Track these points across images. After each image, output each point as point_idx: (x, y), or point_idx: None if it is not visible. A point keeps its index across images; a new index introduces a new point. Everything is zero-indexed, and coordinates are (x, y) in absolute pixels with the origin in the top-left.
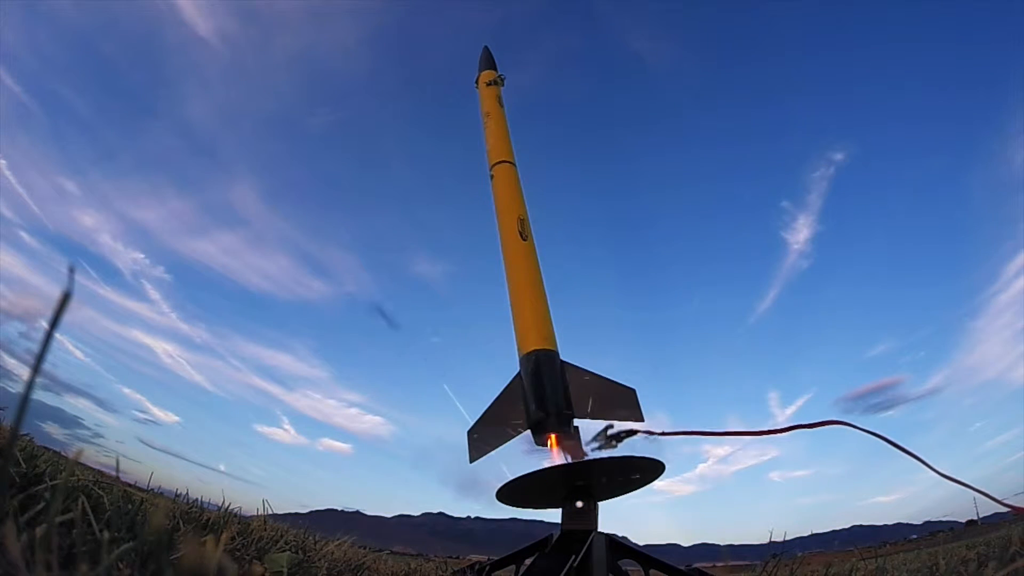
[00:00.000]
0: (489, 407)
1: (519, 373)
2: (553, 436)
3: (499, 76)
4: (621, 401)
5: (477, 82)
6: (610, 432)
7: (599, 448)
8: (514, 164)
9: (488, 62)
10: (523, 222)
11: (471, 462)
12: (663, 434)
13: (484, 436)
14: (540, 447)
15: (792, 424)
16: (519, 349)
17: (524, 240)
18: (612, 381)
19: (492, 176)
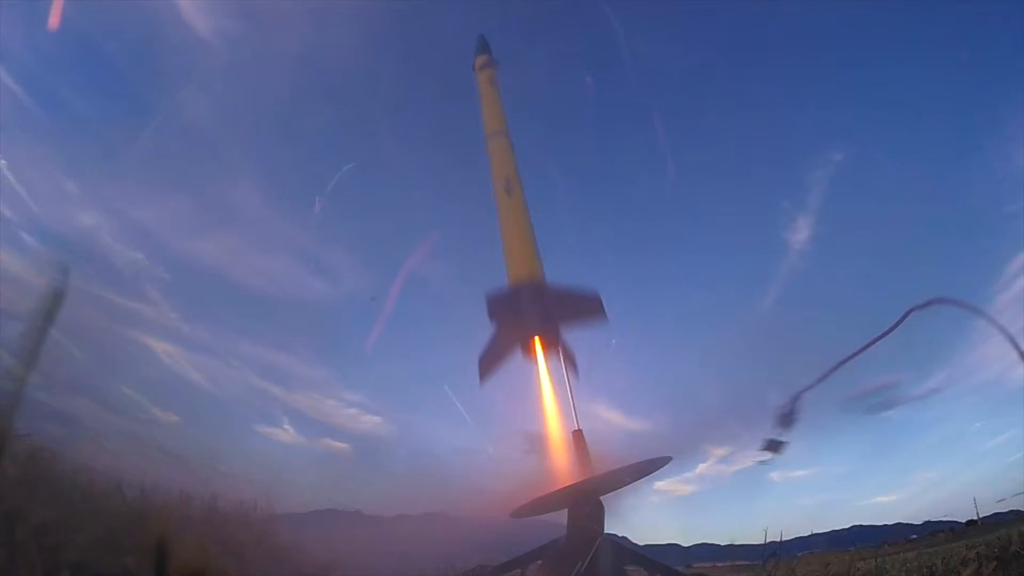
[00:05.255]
0: (492, 335)
1: (511, 297)
2: (538, 339)
3: (492, 60)
4: (588, 306)
5: (474, 66)
6: (770, 439)
7: (767, 451)
8: (505, 134)
9: (483, 48)
10: (510, 181)
11: (480, 384)
12: (813, 386)
13: (490, 359)
14: (528, 358)
15: (903, 313)
16: (508, 276)
17: (510, 195)
18: (581, 291)
19: (488, 144)
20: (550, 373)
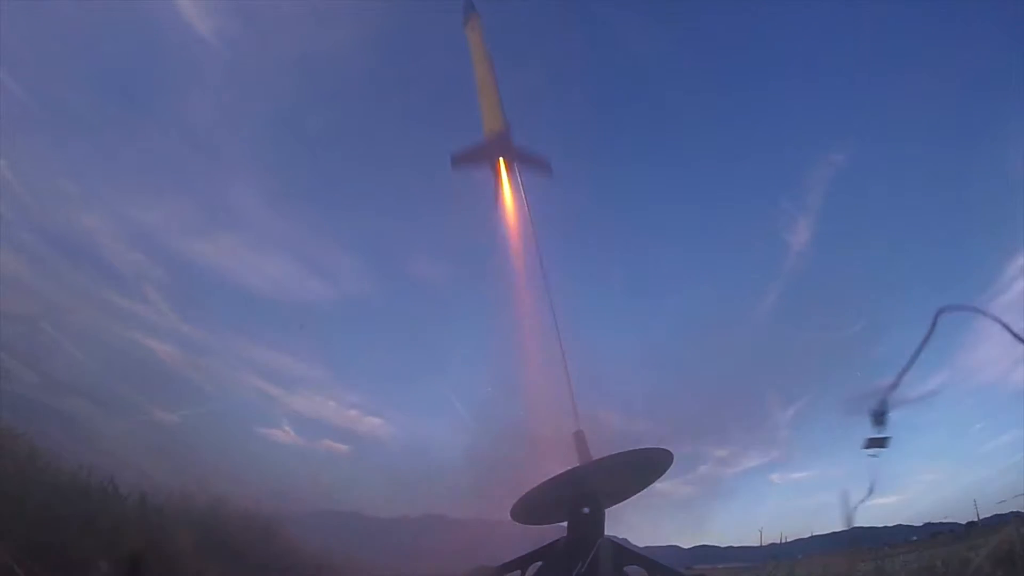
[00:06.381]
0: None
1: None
2: (501, 160)
3: (475, 13)
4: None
5: (464, 24)
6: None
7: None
8: (490, 69)
9: (469, 6)
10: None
11: (454, 165)
12: (894, 386)
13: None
14: (494, 176)
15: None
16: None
17: (487, 100)
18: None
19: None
20: (514, 193)
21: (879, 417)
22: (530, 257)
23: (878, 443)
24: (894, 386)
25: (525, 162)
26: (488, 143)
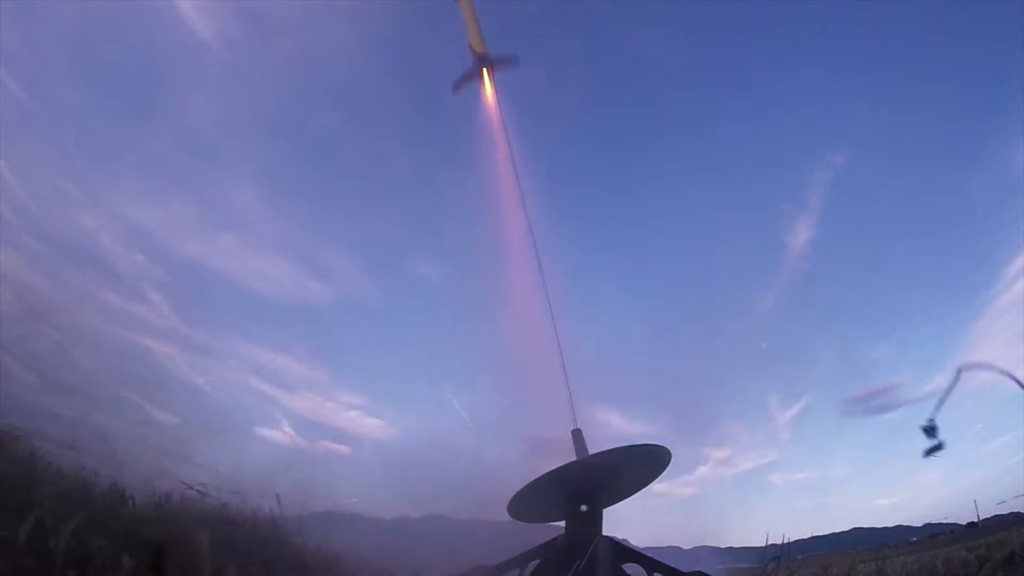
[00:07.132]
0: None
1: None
2: (485, 71)
3: None
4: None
5: None
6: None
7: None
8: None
9: None
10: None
11: (454, 90)
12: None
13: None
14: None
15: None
16: (472, 51)
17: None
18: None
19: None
20: (498, 110)
21: (931, 431)
22: (516, 195)
23: (935, 449)
24: (938, 408)
25: (498, 64)
26: (474, 61)
